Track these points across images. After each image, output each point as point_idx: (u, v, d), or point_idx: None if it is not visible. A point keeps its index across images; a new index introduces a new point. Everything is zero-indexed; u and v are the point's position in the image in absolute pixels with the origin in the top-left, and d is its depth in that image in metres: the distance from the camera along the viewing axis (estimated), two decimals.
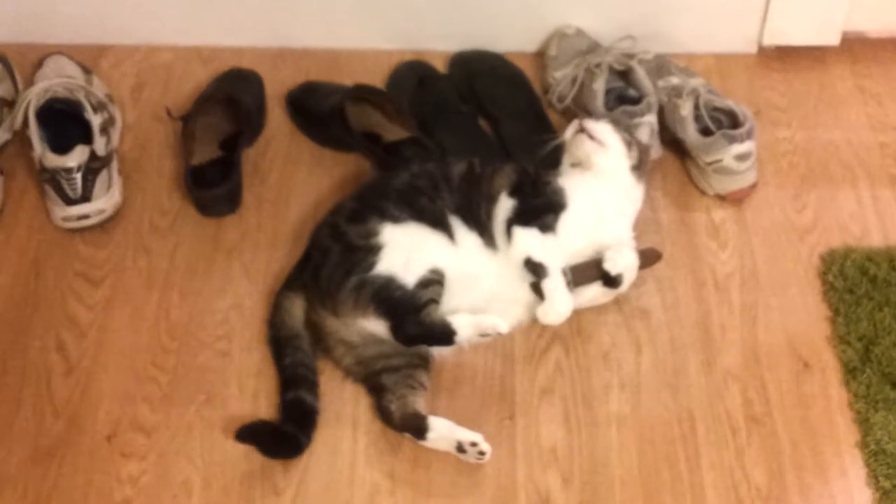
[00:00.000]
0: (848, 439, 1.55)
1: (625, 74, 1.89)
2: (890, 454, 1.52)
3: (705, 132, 1.81)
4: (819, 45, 2.06)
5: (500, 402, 1.59)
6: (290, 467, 1.51)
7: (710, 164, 1.80)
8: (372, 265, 1.54)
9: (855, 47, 2.08)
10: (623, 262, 1.60)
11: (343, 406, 1.58)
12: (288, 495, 1.49)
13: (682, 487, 1.50)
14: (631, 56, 1.89)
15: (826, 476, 1.52)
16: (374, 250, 1.55)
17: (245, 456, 1.52)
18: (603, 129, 1.68)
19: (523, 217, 1.60)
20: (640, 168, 1.69)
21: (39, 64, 1.92)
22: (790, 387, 1.61)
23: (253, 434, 1.49)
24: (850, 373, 1.61)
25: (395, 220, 1.59)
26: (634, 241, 1.66)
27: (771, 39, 2.05)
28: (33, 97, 1.77)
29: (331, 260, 1.58)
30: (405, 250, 1.56)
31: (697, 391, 1.60)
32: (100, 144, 1.75)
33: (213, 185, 1.77)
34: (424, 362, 1.57)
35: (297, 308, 1.61)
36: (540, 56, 2.04)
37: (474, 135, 1.90)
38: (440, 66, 2.03)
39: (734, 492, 1.50)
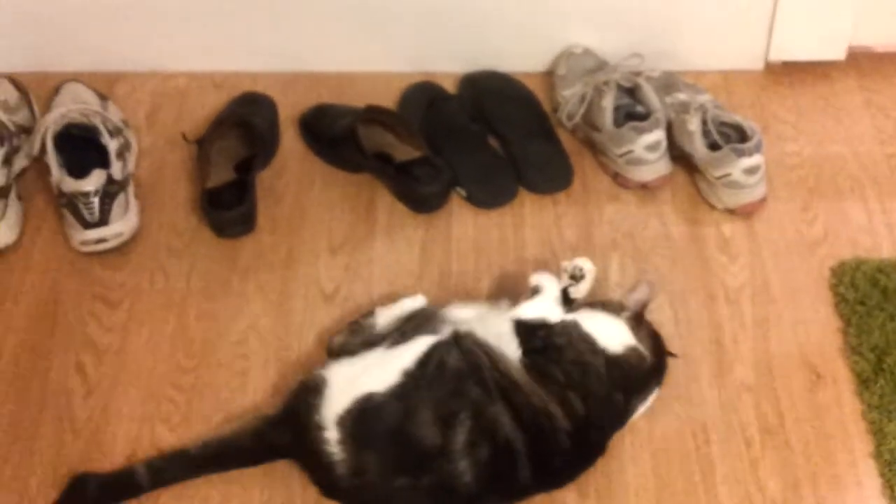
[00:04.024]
0: (862, 449, 1.56)
1: (633, 91, 1.90)
2: None
3: (713, 147, 1.83)
4: (825, 60, 2.08)
5: None
6: (307, 488, 1.52)
7: (719, 178, 1.81)
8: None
9: (861, 61, 2.10)
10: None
11: None
12: None
13: (697, 500, 1.51)
14: (638, 73, 1.91)
15: (841, 487, 1.53)
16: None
17: (264, 474, 1.53)
18: None
19: None
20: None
21: (56, 91, 1.95)
22: (803, 398, 1.62)
23: None
24: (862, 383, 1.62)
25: None
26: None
27: (777, 55, 2.07)
28: (51, 123, 1.79)
29: None
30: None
31: (711, 403, 1.61)
32: (116, 168, 1.77)
33: (229, 207, 1.79)
34: None
35: None
36: (548, 75, 2.06)
37: (484, 154, 1.92)
38: (450, 87, 2.06)
39: (749, 503, 1.51)
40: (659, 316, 1.69)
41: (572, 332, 1.54)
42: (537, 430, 1.45)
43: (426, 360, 1.47)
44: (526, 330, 1.54)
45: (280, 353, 1.66)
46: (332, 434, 1.43)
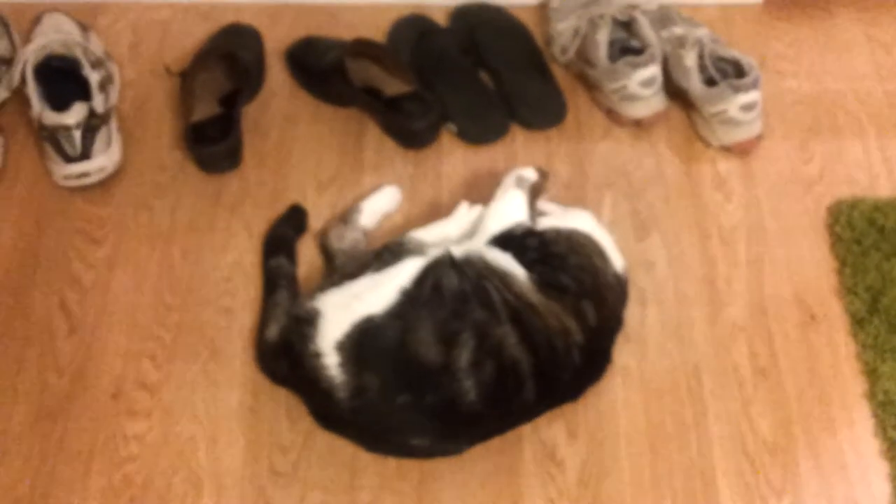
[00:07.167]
0: (855, 390, 1.55)
1: (628, 25, 1.86)
2: None
3: (710, 82, 1.79)
4: None
5: None
6: (296, 423, 1.51)
7: (715, 114, 1.78)
8: None
9: None
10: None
11: None
12: (294, 452, 1.49)
13: (689, 440, 1.50)
14: (634, 7, 1.87)
15: (833, 427, 1.52)
16: None
17: (251, 411, 1.52)
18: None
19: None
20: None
21: (37, 21, 1.89)
22: (797, 338, 1.60)
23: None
24: (857, 323, 1.60)
25: None
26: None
27: None
28: (31, 54, 1.75)
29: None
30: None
31: (703, 344, 1.60)
32: (98, 101, 1.73)
33: (214, 142, 1.75)
34: None
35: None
36: (542, 8, 2.01)
37: (475, 89, 1.88)
38: (441, 19, 2.01)
39: (741, 444, 1.50)
40: (652, 255, 1.67)
41: (572, 238, 1.54)
42: (550, 352, 1.44)
43: (422, 280, 1.46)
44: (509, 240, 1.53)
45: None
46: (331, 359, 1.42)
